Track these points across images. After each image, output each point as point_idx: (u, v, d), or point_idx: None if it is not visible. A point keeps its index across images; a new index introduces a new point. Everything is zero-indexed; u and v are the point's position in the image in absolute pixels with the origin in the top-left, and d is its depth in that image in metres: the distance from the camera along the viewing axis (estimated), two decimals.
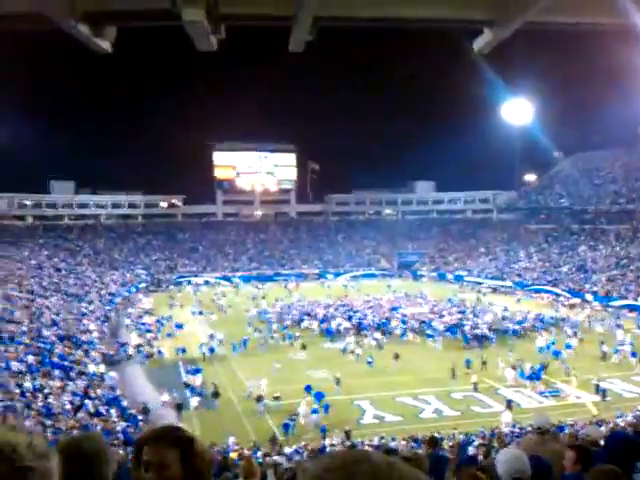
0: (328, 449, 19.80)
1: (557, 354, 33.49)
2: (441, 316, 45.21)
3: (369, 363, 33.44)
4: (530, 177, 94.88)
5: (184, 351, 36.49)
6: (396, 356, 33.93)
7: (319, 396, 27.09)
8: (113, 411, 24.70)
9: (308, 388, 28.49)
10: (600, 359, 33.50)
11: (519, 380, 29.51)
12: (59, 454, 2.46)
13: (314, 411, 25.28)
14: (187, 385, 29.95)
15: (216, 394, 27.85)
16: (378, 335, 39.39)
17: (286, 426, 24.16)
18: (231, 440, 21.97)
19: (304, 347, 37.30)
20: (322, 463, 1.10)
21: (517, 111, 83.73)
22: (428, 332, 39.88)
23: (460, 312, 47.13)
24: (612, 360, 33.03)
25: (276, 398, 27.32)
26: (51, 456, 1.28)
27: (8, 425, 17.72)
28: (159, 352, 36.58)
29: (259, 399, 26.92)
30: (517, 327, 41.45)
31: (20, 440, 1.23)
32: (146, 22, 4.76)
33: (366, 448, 18.24)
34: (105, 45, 4.76)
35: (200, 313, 51.06)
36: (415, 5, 4.49)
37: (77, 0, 4.22)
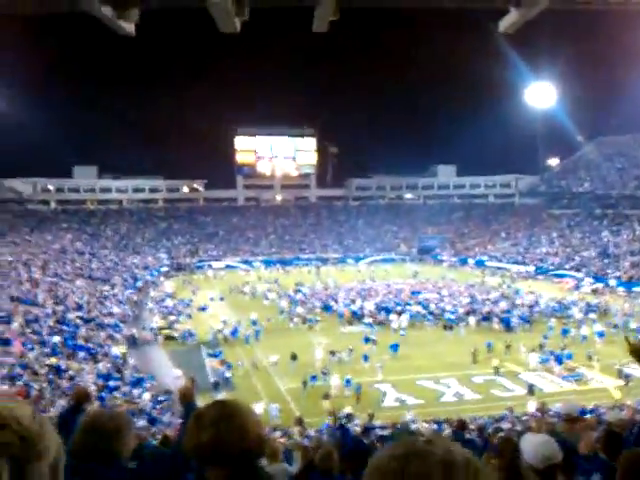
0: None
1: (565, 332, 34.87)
2: (458, 301, 44.75)
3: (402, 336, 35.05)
4: (553, 161, 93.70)
5: (204, 334, 36.76)
6: (450, 327, 37.27)
7: (395, 347, 31.24)
8: (137, 392, 25.05)
9: (367, 340, 32.44)
10: None
11: (541, 365, 29.40)
12: (81, 428, 2.50)
13: (347, 381, 26.34)
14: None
15: (294, 356, 29.57)
16: (403, 318, 39.08)
17: (313, 378, 26.84)
18: (274, 407, 22.94)
19: (350, 323, 39.23)
20: (387, 451, 1.12)
21: (540, 94, 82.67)
22: (450, 317, 39.59)
23: (481, 298, 46.80)
24: None
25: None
26: (50, 428, 1.30)
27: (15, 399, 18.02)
28: (181, 334, 36.86)
29: (333, 353, 30.40)
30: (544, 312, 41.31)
31: (25, 412, 1.24)
32: (171, 4, 4.71)
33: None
34: (129, 27, 4.71)
35: (221, 299, 50.93)
36: None
37: None
